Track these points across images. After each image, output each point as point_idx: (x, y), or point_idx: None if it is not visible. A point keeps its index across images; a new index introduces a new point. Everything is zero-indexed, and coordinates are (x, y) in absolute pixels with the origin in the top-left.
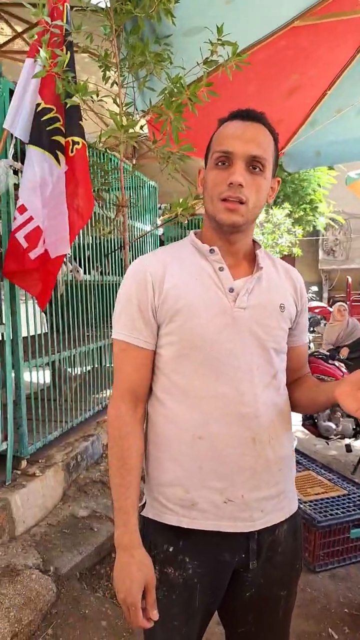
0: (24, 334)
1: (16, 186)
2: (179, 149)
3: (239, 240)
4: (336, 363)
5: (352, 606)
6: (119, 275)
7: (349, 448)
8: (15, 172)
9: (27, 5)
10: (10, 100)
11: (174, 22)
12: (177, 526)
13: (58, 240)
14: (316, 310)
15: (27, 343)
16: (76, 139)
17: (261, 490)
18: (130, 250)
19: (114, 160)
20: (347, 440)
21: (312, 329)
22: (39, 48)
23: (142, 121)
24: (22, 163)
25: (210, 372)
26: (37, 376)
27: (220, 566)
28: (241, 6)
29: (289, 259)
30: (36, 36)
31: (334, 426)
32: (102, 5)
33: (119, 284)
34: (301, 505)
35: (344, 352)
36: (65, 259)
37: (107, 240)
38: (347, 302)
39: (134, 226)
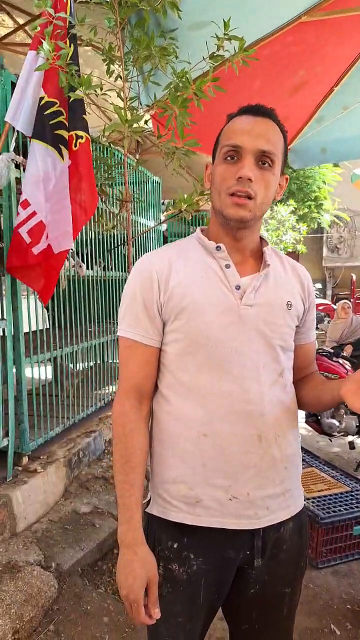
0: (26, 329)
1: (18, 180)
2: (184, 144)
3: (246, 237)
4: (340, 360)
5: (354, 602)
6: (122, 271)
7: (352, 445)
8: (17, 166)
9: None
10: (12, 93)
11: (180, 15)
12: (182, 523)
13: (61, 235)
14: (320, 308)
15: (29, 339)
16: (80, 133)
17: (266, 488)
18: (133, 246)
19: (117, 155)
20: (350, 438)
21: (316, 326)
22: (42, 40)
23: (147, 116)
24: (24, 157)
25: (215, 370)
26: (38, 372)
27: (225, 563)
28: (248, 1)
29: (293, 255)
30: (39, 28)
31: (337, 423)
32: None
33: (122, 280)
34: (304, 502)
35: (348, 350)
36: (68, 254)
37: (110, 236)
38: (351, 300)
39: (138, 221)
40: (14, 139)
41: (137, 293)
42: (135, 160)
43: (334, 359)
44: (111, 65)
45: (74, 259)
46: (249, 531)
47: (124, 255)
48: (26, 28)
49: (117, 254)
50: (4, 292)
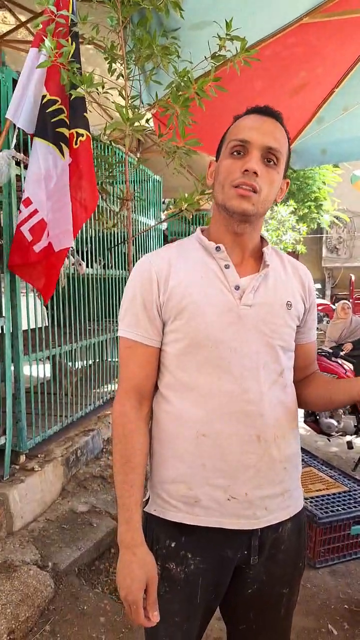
0: (24, 327)
1: (18, 177)
2: (185, 143)
3: (247, 232)
4: (339, 360)
5: (351, 602)
6: (122, 269)
7: (350, 445)
8: (18, 163)
9: None
10: (13, 90)
11: (182, 15)
12: (180, 522)
13: (62, 233)
14: (319, 308)
15: (28, 336)
16: (80, 130)
17: (265, 488)
18: (133, 245)
19: (118, 154)
20: (348, 437)
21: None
22: (44, 38)
23: (148, 114)
24: (25, 154)
25: (215, 370)
26: (37, 370)
27: (222, 562)
28: (250, 1)
29: (293, 256)
30: (41, 25)
31: (335, 423)
32: None
33: (122, 278)
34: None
35: (347, 347)
36: (68, 252)
37: (111, 234)
38: (350, 300)
39: (138, 220)
40: (14, 136)
41: (137, 293)
42: (136, 159)
43: (333, 359)
44: (113, 64)
45: (74, 257)
46: (247, 531)
47: (124, 253)
48: (28, 25)
49: (118, 253)
50: (2, 290)
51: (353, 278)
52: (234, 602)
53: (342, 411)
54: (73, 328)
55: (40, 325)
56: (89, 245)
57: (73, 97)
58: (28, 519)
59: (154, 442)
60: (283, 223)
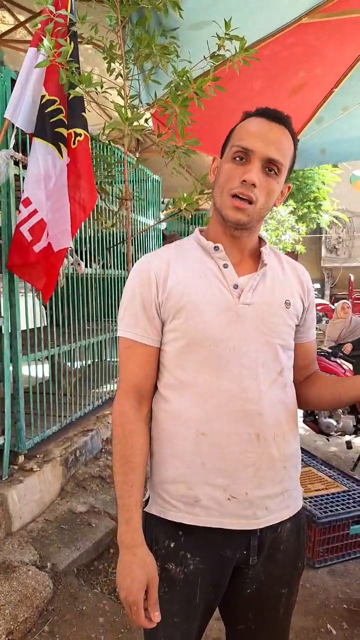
0: (23, 327)
1: (17, 177)
2: (184, 143)
3: (244, 237)
4: (338, 360)
5: (350, 602)
6: (121, 269)
7: (349, 445)
8: (16, 163)
9: None
10: (12, 89)
11: (181, 14)
12: (180, 522)
13: (60, 233)
14: (318, 308)
15: (27, 336)
16: (79, 130)
17: (265, 488)
18: (132, 244)
19: (117, 153)
20: (347, 437)
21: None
22: (43, 37)
23: (147, 114)
24: (23, 154)
25: (214, 369)
26: (36, 370)
27: (222, 562)
28: (249, 1)
29: (292, 256)
30: (39, 25)
31: (334, 423)
32: None
33: (121, 278)
34: None
35: (348, 348)
36: (66, 252)
37: (110, 234)
38: (350, 300)
39: (137, 220)
40: (13, 136)
41: (136, 293)
42: (136, 159)
43: (332, 358)
44: (112, 64)
45: (72, 257)
46: (247, 531)
47: (123, 253)
48: (27, 25)
49: (116, 252)
50: (1, 290)
51: (352, 278)
52: (233, 602)
53: (341, 411)
54: (72, 328)
55: (39, 325)
56: (88, 245)
57: (71, 96)
58: (27, 520)
59: (153, 442)
60: (282, 223)
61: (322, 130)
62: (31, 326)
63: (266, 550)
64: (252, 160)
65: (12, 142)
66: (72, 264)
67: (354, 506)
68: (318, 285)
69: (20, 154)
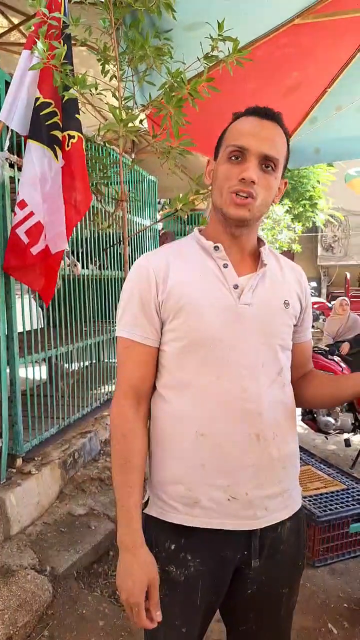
0: (20, 329)
1: (11, 179)
2: (179, 143)
3: (244, 235)
4: (335, 358)
5: (351, 601)
6: (117, 270)
7: (347, 443)
8: (12, 165)
9: None
10: (6, 92)
11: (175, 16)
12: (180, 524)
13: (57, 236)
14: (315, 306)
15: (23, 338)
16: (72, 132)
17: (265, 488)
18: (129, 245)
19: (113, 154)
20: (345, 435)
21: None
22: (36, 40)
23: (142, 115)
24: (18, 156)
25: (214, 369)
26: (33, 372)
27: (222, 564)
28: (242, 2)
29: (288, 254)
30: (33, 28)
31: (333, 421)
32: None
33: (118, 279)
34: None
35: (345, 349)
36: (63, 254)
37: (106, 235)
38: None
39: (133, 221)
40: (8, 138)
41: (135, 293)
42: (131, 160)
43: (329, 357)
44: (106, 65)
45: (69, 258)
46: (247, 531)
47: (120, 254)
48: (21, 28)
49: (113, 253)
50: None
51: (348, 276)
52: (233, 603)
53: (339, 409)
54: (69, 329)
55: (36, 327)
56: (85, 246)
57: (65, 99)
58: (25, 523)
59: (152, 443)
60: (278, 222)
61: (316, 130)
62: (28, 328)
63: (266, 550)
64: (248, 158)
65: (7, 144)
66: (68, 266)
67: (353, 504)
68: (314, 284)
69: (15, 156)
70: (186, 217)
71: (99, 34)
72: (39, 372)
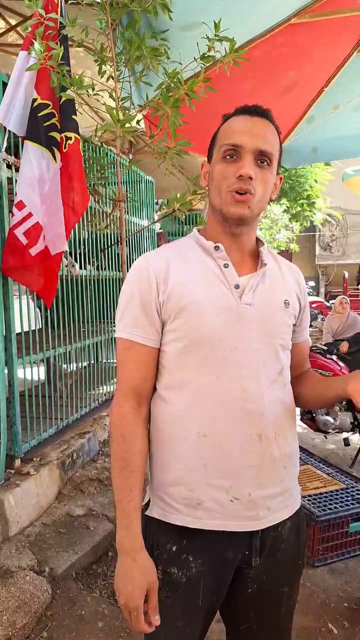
0: (18, 329)
1: (9, 180)
2: (176, 144)
3: (244, 234)
4: (334, 357)
5: (351, 600)
6: (115, 270)
7: (347, 442)
8: (9, 166)
9: None
10: (3, 93)
11: (171, 17)
12: (182, 526)
13: (56, 237)
14: (313, 305)
15: (21, 339)
16: (69, 134)
17: (267, 488)
18: (127, 246)
19: (110, 155)
20: (345, 434)
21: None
22: (33, 41)
23: (139, 116)
24: (16, 157)
25: (215, 369)
26: (31, 373)
27: (224, 564)
28: (238, 2)
29: (286, 254)
30: (30, 29)
31: (332, 420)
32: None
33: (116, 279)
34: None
35: (344, 348)
36: (62, 255)
37: (104, 235)
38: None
39: (131, 221)
40: (5, 139)
41: (135, 293)
42: (129, 160)
43: (328, 356)
44: (103, 66)
45: (66, 259)
46: (248, 532)
47: (118, 254)
48: (18, 29)
49: (111, 254)
50: None
51: (346, 275)
52: (234, 602)
53: (338, 408)
54: (67, 330)
55: (34, 328)
56: (82, 246)
57: (63, 100)
58: (24, 524)
59: (152, 445)
60: (276, 222)
61: (313, 129)
62: (26, 329)
63: (267, 550)
64: (244, 155)
65: (5, 145)
66: (66, 266)
67: (352, 504)
68: (313, 283)
69: (13, 157)
70: (184, 217)
71: (95, 34)
72: (37, 373)
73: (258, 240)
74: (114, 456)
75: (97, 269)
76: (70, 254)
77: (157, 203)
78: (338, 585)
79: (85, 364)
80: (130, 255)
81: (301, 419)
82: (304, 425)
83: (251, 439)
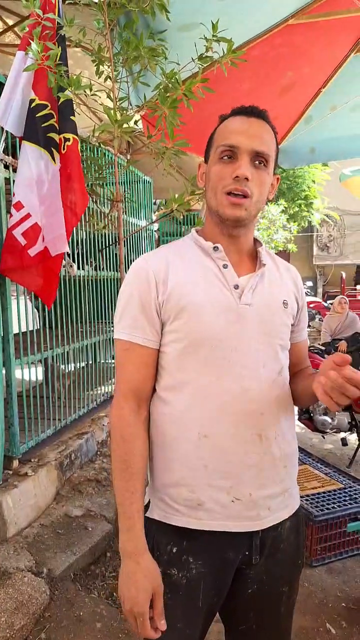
0: (15, 330)
1: (6, 180)
2: (174, 144)
3: (242, 235)
4: None
5: (349, 600)
6: (113, 271)
7: (344, 442)
8: (7, 166)
9: None
10: (0, 93)
11: (169, 17)
12: (183, 527)
13: (56, 238)
14: (311, 306)
15: (19, 339)
16: (67, 135)
17: (267, 488)
18: (125, 246)
19: (108, 155)
20: (342, 434)
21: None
22: (31, 41)
23: (137, 116)
24: (13, 157)
25: (215, 369)
26: (29, 373)
27: (224, 565)
28: (236, 3)
29: (284, 254)
30: (27, 28)
31: (329, 420)
32: None
33: (114, 280)
34: None
35: (342, 347)
36: (63, 256)
37: (102, 235)
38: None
39: (129, 221)
40: (3, 140)
41: (134, 294)
42: (126, 161)
43: (326, 356)
44: (100, 66)
45: (64, 259)
46: (249, 532)
47: (116, 254)
48: (15, 29)
49: (109, 254)
50: None
51: (344, 275)
52: (234, 603)
53: None
54: (65, 330)
55: (32, 328)
56: (80, 247)
57: (61, 100)
58: (22, 525)
59: (152, 446)
60: (274, 222)
61: (311, 130)
62: (24, 329)
63: (267, 550)
64: (240, 156)
65: (2, 145)
66: (64, 267)
67: (350, 503)
68: (310, 283)
69: (10, 158)
70: (182, 217)
71: (93, 34)
72: (35, 374)
73: (256, 240)
74: (114, 458)
75: (95, 269)
76: (68, 254)
77: (155, 203)
78: (336, 585)
79: (83, 364)
80: (128, 256)
81: (299, 419)
82: (302, 425)
83: (252, 439)
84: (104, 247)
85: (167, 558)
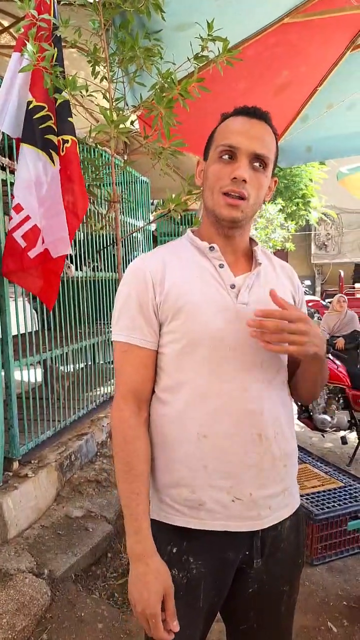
0: (14, 332)
1: (3, 182)
2: (171, 144)
3: (237, 235)
4: (330, 355)
5: (350, 599)
6: (111, 272)
7: (344, 440)
8: (3, 168)
9: None
10: None
11: (164, 17)
12: (184, 527)
13: (58, 240)
14: (310, 304)
15: (18, 341)
16: (66, 137)
17: (267, 487)
18: (122, 246)
19: (105, 156)
20: (342, 433)
21: None
22: (26, 42)
23: (133, 116)
24: (10, 159)
25: (213, 369)
26: (28, 375)
27: (224, 565)
28: (231, 2)
29: (282, 253)
30: (23, 30)
31: (329, 419)
32: None
33: (112, 280)
34: None
35: (340, 344)
36: (65, 258)
37: (99, 236)
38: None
39: (127, 222)
40: None
41: (132, 295)
42: (123, 161)
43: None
44: (96, 67)
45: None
46: (249, 532)
47: (114, 255)
48: (11, 30)
49: (107, 255)
50: None
51: (342, 274)
52: (234, 602)
53: (335, 406)
54: (63, 331)
55: (30, 330)
56: (78, 248)
57: (58, 102)
58: (23, 526)
59: (153, 447)
60: (271, 221)
61: (307, 128)
62: (22, 331)
63: (267, 549)
64: (239, 157)
65: None
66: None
67: (350, 502)
68: (309, 282)
69: (7, 159)
70: (179, 217)
71: (88, 35)
72: (34, 375)
73: (251, 240)
74: (117, 461)
75: (93, 270)
76: (66, 255)
77: (152, 203)
78: (337, 584)
79: (82, 365)
80: (126, 256)
81: (298, 418)
82: (302, 424)
83: (251, 438)
84: (101, 248)
85: (167, 558)
